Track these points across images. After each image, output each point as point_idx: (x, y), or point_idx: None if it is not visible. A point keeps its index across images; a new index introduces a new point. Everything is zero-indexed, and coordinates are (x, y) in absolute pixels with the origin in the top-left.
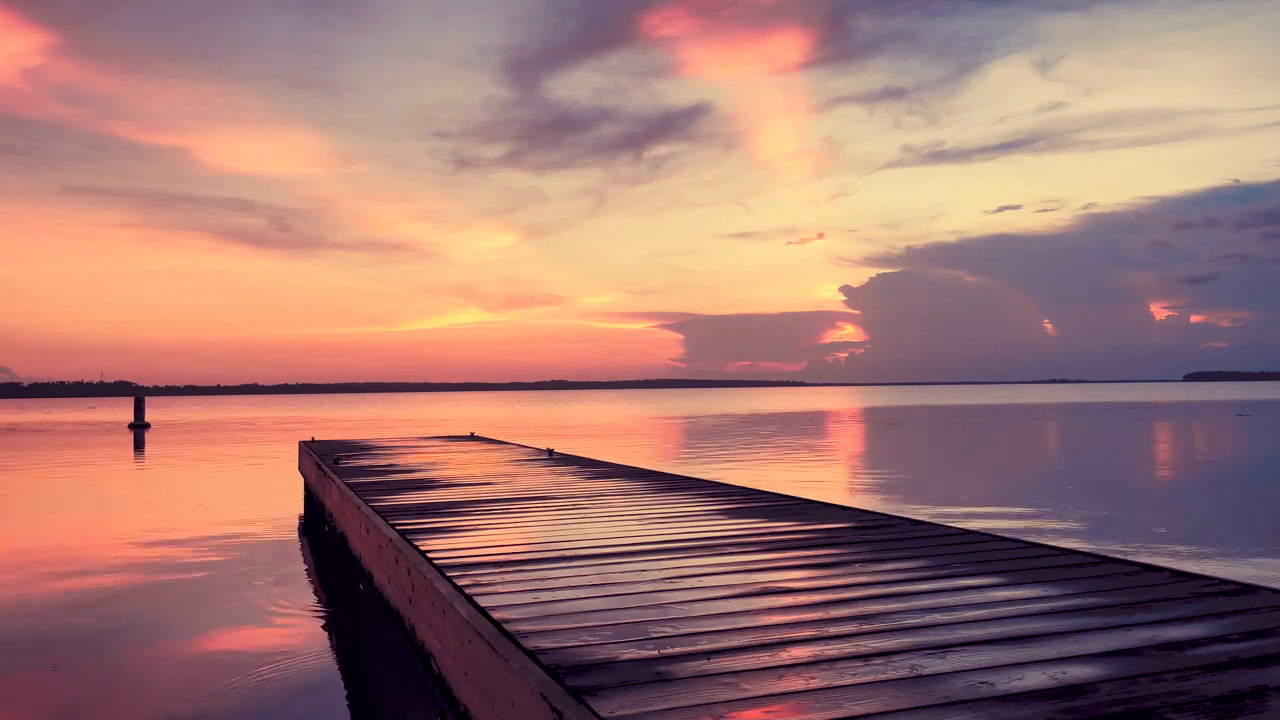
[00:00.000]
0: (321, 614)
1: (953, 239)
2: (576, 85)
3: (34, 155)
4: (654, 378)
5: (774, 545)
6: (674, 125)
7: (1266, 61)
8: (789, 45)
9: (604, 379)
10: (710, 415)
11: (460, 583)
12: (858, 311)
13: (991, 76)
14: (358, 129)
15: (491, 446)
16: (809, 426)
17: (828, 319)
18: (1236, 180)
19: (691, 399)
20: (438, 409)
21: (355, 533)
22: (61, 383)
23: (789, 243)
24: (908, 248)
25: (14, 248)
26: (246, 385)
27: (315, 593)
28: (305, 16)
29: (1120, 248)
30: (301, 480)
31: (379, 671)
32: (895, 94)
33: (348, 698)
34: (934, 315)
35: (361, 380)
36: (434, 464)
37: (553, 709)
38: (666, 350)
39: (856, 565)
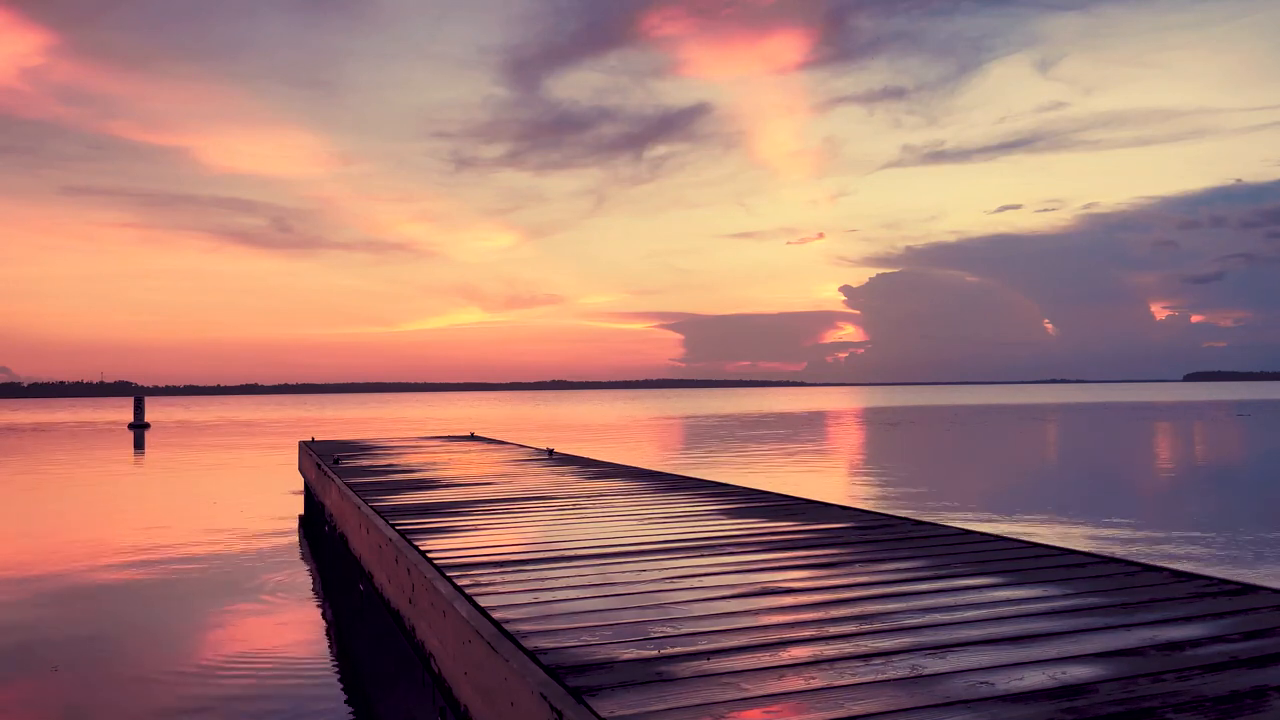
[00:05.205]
0: (321, 614)
1: (953, 239)
2: (576, 85)
3: (34, 155)
4: (654, 378)
5: (774, 545)
6: (674, 125)
7: (1266, 61)
8: (789, 45)
9: (604, 379)
10: (710, 415)
11: (460, 583)
12: (858, 311)
13: (991, 76)
14: (358, 129)
15: (491, 446)
16: (809, 427)
17: (828, 319)
18: (1239, 180)
19: (692, 399)
20: (438, 409)
21: (355, 533)
22: (61, 383)
23: (789, 243)
24: (908, 248)
25: (14, 248)
26: (246, 385)
27: (315, 593)
28: (305, 16)
29: (1121, 248)
30: (301, 480)
31: (379, 671)
32: (895, 94)
33: (348, 698)
34: (934, 315)
35: (361, 380)
36: (434, 464)
37: (553, 709)
38: (666, 350)
39: (856, 565)
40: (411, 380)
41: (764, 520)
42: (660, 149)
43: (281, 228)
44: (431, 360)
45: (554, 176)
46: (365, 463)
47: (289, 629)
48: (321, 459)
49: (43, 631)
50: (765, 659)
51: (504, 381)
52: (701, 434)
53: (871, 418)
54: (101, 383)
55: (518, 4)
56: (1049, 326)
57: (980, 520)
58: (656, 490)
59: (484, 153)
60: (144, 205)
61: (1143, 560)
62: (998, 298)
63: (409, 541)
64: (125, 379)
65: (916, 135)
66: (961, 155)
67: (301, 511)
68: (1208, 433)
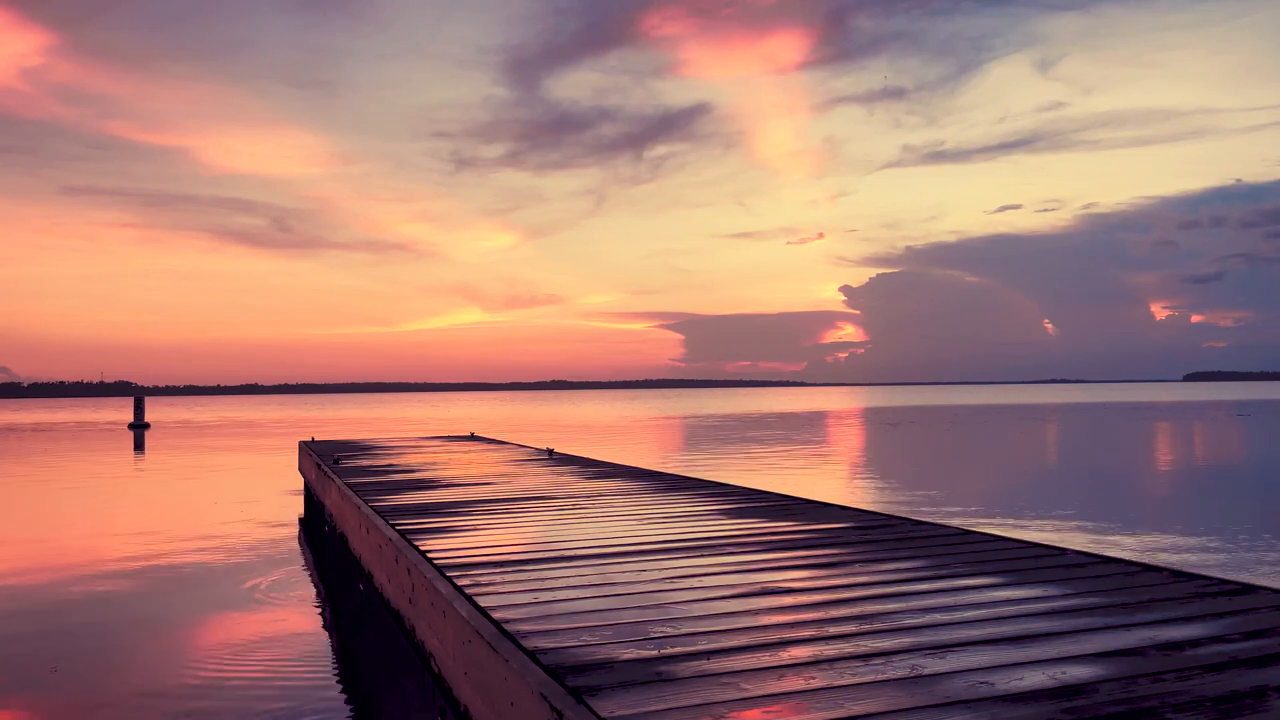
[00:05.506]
0: (321, 614)
1: (953, 239)
2: (576, 85)
3: (34, 155)
4: (654, 378)
5: (774, 545)
6: (674, 125)
7: (1266, 61)
8: (789, 45)
9: (604, 379)
10: (710, 415)
11: (460, 583)
12: (858, 311)
13: (991, 76)
14: (358, 129)
15: (491, 446)
16: (809, 427)
17: (828, 319)
18: (1239, 180)
19: (692, 399)
20: (438, 409)
21: (355, 533)
22: (61, 383)
23: (789, 243)
24: (908, 248)
25: (14, 248)
26: (246, 385)
27: (315, 593)
28: (305, 16)
29: (1121, 248)
30: (301, 480)
31: (379, 671)
32: (895, 94)
33: (348, 698)
34: (934, 315)
35: (361, 380)
36: (434, 464)
37: (553, 709)
38: (666, 350)
39: (856, 565)
40: (411, 380)
41: (764, 520)
42: (660, 149)
43: (281, 228)
44: (431, 360)
45: (554, 176)
46: (365, 463)
47: (289, 629)
48: (321, 459)
49: (42, 631)
50: (765, 659)
51: (504, 381)
52: (701, 434)
53: (871, 418)
54: (101, 383)
55: (518, 4)
56: (1049, 326)
57: (980, 520)
58: (656, 490)
59: (484, 153)
60: (144, 205)
61: (1143, 560)
62: (998, 298)
63: (409, 541)
64: (125, 379)
65: (916, 135)
66: (961, 155)
67: (301, 512)
68: (1207, 433)
